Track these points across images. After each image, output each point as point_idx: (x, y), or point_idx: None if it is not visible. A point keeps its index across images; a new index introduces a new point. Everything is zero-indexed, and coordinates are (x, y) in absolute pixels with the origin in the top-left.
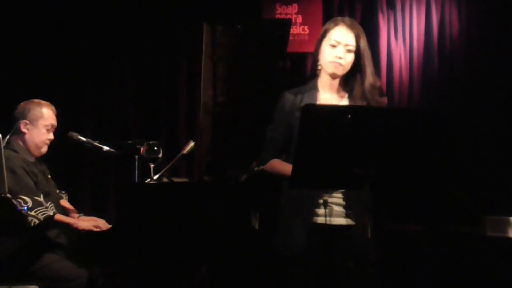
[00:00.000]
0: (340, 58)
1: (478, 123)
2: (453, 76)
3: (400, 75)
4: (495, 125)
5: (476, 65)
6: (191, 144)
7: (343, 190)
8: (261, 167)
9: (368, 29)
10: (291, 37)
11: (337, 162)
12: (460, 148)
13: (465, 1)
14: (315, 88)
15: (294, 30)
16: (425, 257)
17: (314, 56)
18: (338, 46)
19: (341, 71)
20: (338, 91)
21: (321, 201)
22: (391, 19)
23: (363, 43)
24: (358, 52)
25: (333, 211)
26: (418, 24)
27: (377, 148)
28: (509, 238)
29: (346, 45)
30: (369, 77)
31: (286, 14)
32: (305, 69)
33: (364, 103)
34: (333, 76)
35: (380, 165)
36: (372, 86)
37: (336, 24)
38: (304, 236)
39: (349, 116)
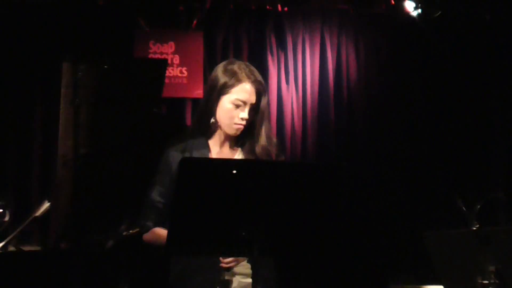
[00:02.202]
0: (246, 119)
1: (380, 177)
2: (352, 125)
3: (292, 123)
4: (397, 180)
5: (376, 113)
6: (46, 204)
7: (248, 258)
8: (143, 235)
9: None
10: (167, 80)
11: (221, 224)
12: (360, 206)
13: (363, 42)
14: (205, 146)
15: (171, 72)
16: None
17: (206, 108)
18: (244, 107)
19: (241, 131)
20: (230, 146)
21: (225, 272)
22: (282, 61)
23: (264, 101)
24: (257, 110)
25: (239, 282)
26: (312, 66)
27: (268, 208)
28: None
29: (251, 104)
30: (263, 138)
31: (161, 53)
32: (183, 116)
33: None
34: (233, 136)
35: (271, 227)
36: (264, 148)
37: (239, 80)
38: None
39: (234, 171)
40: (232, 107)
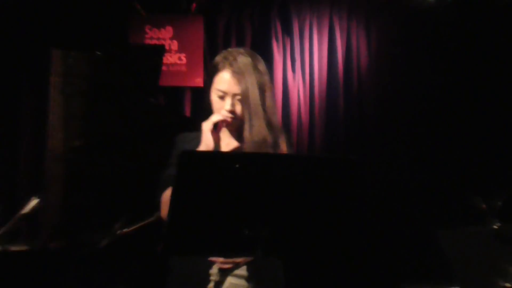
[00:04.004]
0: (231, 111)
1: (391, 172)
2: (362, 116)
3: (299, 114)
4: (409, 175)
5: (388, 103)
6: (34, 201)
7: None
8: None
9: None
10: (164, 68)
11: (222, 222)
12: (370, 202)
13: (375, 27)
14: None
15: (168, 59)
16: None
17: (207, 99)
18: (225, 97)
19: (235, 123)
20: (237, 138)
21: (214, 272)
22: (287, 47)
23: (250, 89)
24: (243, 101)
25: (231, 284)
26: (320, 53)
27: (273, 205)
28: None
29: (234, 94)
30: (258, 131)
31: (159, 39)
32: (182, 106)
33: None
34: (234, 129)
35: (276, 226)
36: (260, 144)
37: (219, 69)
38: None
39: (237, 165)
40: (218, 99)
